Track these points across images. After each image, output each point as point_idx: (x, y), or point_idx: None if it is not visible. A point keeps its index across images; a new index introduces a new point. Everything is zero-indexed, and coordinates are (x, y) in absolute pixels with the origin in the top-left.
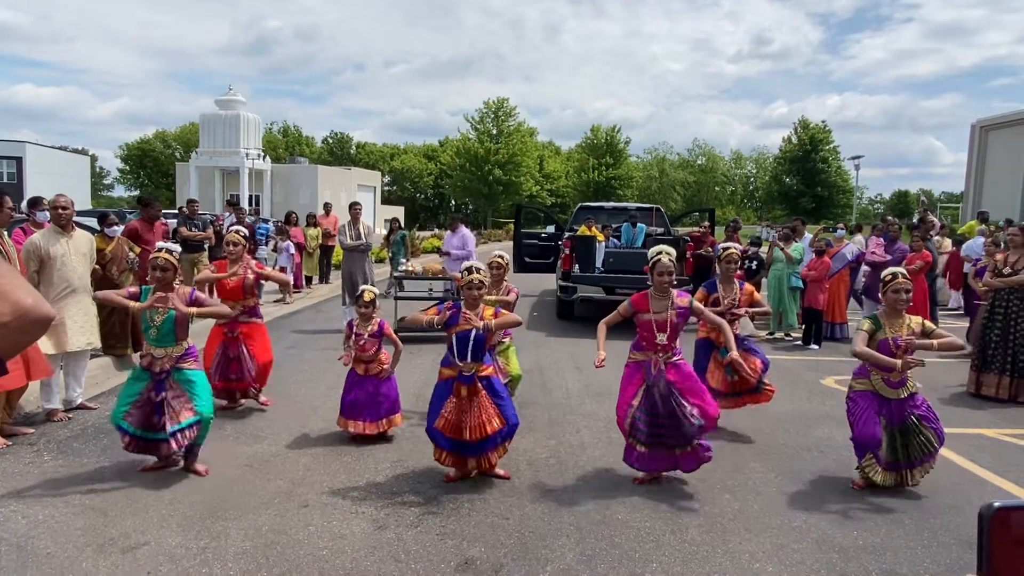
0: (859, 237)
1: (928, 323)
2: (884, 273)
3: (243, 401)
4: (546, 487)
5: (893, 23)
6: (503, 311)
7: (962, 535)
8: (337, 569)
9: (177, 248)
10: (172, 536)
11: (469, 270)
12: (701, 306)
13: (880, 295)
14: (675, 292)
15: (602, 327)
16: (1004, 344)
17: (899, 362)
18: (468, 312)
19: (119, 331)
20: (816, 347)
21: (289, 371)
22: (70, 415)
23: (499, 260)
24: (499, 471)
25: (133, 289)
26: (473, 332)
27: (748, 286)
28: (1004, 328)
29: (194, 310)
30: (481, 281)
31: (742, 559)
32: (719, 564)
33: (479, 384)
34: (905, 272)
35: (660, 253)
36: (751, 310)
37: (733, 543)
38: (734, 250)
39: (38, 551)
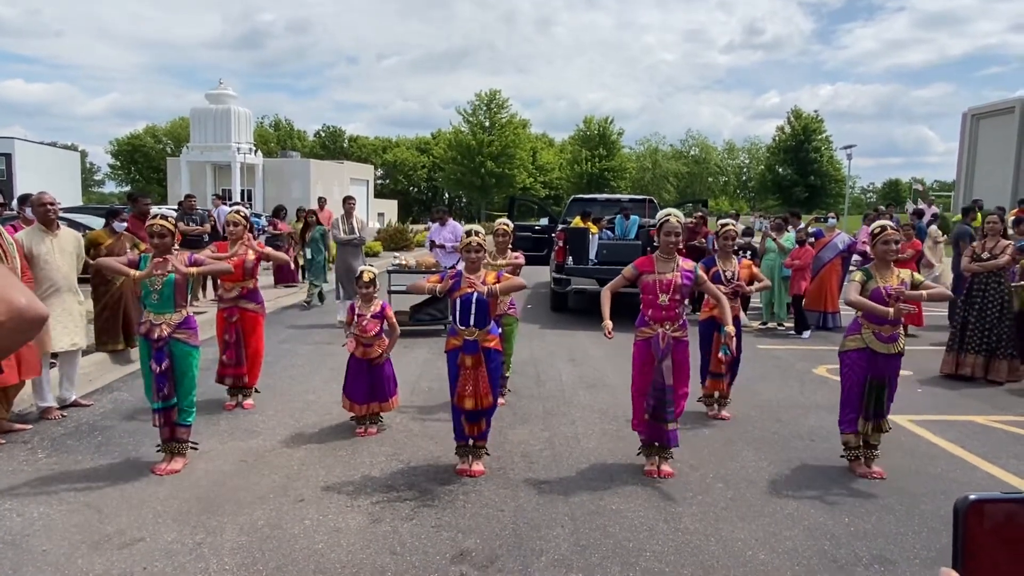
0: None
1: (917, 275)
2: (873, 226)
3: (235, 401)
4: (540, 478)
5: (885, 12)
6: (506, 275)
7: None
8: (333, 563)
9: (172, 213)
10: (167, 532)
11: (468, 233)
12: (704, 275)
13: (870, 249)
14: (680, 258)
15: (606, 293)
16: (981, 325)
17: (891, 310)
18: (470, 276)
19: (111, 326)
20: (806, 335)
21: (283, 366)
22: (64, 413)
23: (504, 227)
24: (479, 465)
25: (132, 256)
26: (475, 295)
27: (746, 260)
28: (981, 310)
29: (193, 270)
30: (480, 244)
31: (735, 547)
32: (712, 552)
33: (482, 355)
34: (894, 224)
35: (669, 215)
36: (754, 287)
37: (726, 531)
38: (732, 227)
39: (33, 549)
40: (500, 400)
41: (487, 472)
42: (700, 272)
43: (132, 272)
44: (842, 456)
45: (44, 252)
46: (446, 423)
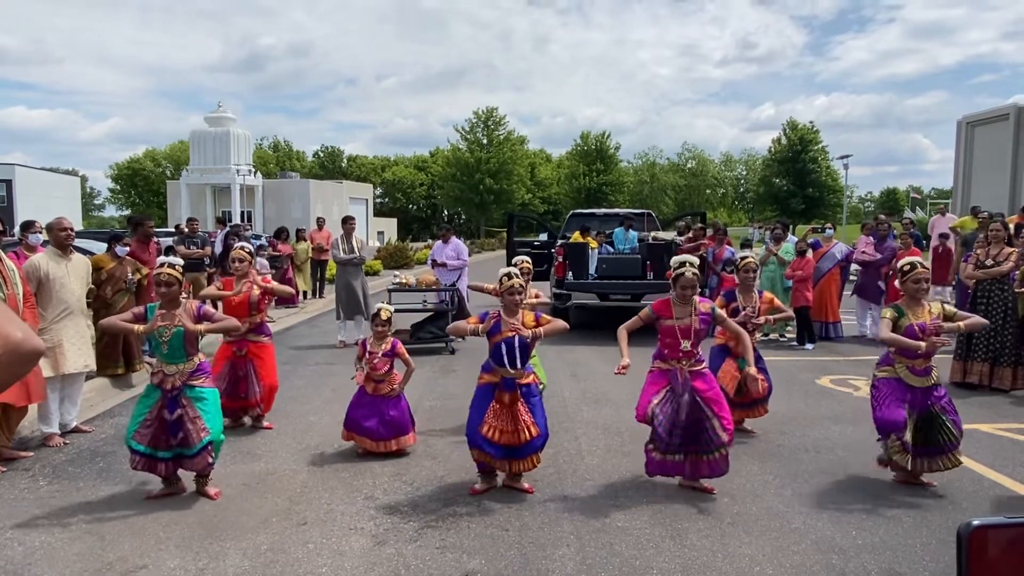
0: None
1: (948, 307)
2: (902, 263)
3: (246, 420)
4: (545, 496)
5: (876, 24)
6: (544, 316)
7: None
8: None
9: (180, 261)
10: (170, 558)
11: (508, 275)
12: (723, 314)
13: (899, 285)
14: (697, 299)
15: (623, 332)
16: (986, 333)
17: (923, 344)
18: (509, 319)
19: (111, 351)
20: (810, 346)
21: (284, 388)
22: (65, 440)
23: (527, 265)
24: (524, 484)
25: (138, 309)
26: (517, 339)
27: (767, 294)
28: (985, 318)
29: (203, 327)
30: (521, 286)
31: (742, 562)
32: (719, 568)
33: (519, 392)
34: (923, 262)
35: (684, 265)
36: (773, 317)
37: (732, 547)
38: (751, 259)
39: None
40: None
41: (492, 489)
42: (718, 312)
43: (136, 327)
44: (881, 462)
45: (60, 276)
46: (449, 442)
